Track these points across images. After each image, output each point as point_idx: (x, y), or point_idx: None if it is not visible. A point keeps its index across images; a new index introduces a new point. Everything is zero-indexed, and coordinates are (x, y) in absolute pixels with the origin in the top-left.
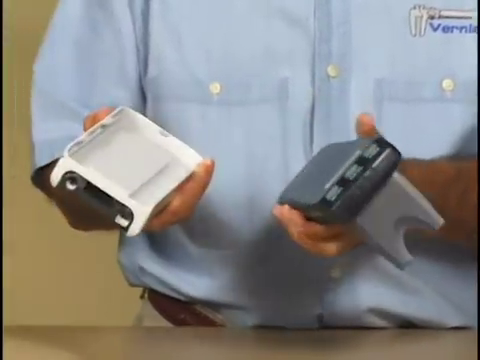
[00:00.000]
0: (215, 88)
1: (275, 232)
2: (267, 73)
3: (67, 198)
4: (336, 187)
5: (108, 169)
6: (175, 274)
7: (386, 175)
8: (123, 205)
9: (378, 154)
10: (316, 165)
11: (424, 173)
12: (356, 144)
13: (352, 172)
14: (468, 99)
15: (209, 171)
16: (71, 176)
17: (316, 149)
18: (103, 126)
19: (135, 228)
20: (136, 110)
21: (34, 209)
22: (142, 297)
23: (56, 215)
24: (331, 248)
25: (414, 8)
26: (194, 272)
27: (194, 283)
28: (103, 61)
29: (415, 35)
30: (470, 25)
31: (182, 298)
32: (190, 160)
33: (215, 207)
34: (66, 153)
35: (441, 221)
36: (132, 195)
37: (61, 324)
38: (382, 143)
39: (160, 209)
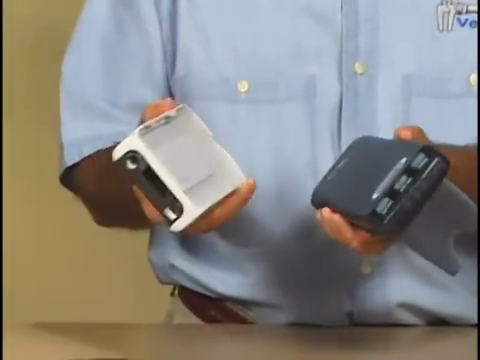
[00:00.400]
0: (243, 86)
1: (305, 229)
2: (294, 71)
3: (110, 184)
4: (386, 199)
5: (169, 160)
6: (205, 271)
7: (436, 185)
8: (175, 199)
9: (427, 164)
10: (354, 163)
11: (460, 161)
12: (399, 149)
13: (401, 183)
14: None
15: (252, 190)
16: (134, 156)
17: (344, 146)
18: (167, 118)
19: (180, 224)
20: None
21: (62, 206)
22: (172, 294)
23: (86, 213)
24: (377, 249)
25: (441, 3)
26: (224, 269)
27: (224, 280)
28: (129, 61)
29: (442, 30)
30: None
31: (212, 295)
32: (234, 175)
33: (244, 209)
34: (136, 132)
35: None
36: (186, 192)
37: (92, 321)
38: (430, 152)
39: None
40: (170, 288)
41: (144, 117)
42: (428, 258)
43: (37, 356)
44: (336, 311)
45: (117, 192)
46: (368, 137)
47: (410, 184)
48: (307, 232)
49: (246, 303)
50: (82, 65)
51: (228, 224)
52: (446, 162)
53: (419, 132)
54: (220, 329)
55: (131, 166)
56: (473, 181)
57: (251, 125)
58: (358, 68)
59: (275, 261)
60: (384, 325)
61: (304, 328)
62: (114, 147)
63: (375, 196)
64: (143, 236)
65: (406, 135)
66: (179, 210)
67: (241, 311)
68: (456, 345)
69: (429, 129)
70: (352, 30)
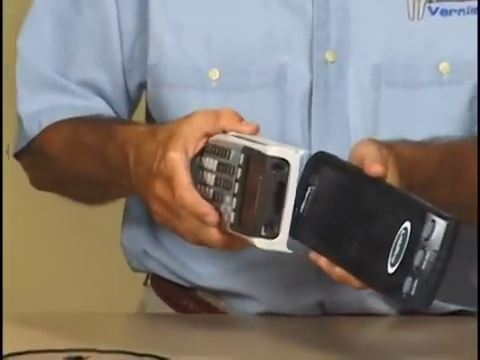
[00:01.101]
0: (214, 74)
1: None
2: (265, 59)
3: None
4: (410, 279)
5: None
6: (177, 260)
7: (453, 247)
8: (277, 223)
9: (438, 232)
10: (329, 199)
11: (420, 154)
12: (389, 200)
13: (420, 259)
14: (465, 81)
15: None
16: (281, 163)
17: (314, 134)
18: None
19: (262, 244)
20: (116, 95)
21: (32, 196)
22: (145, 284)
23: (56, 200)
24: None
25: None
26: (196, 258)
27: (197, 270)
28: (84, 40)
29: (413, 19)
30: (468, 7)
31: (185, 284)
32: None
33: None
34: (299, 150)
35: None
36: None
37: (64, 311)
38: (437, 216)
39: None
40: (143, 278)
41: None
42: (463, 304)
43: (6, 346)
44: (307, 301)
45: (93, 167)
46: (332, 158)
47: (429, 258)
48: None
49: (218, 293)
50: (37, 40)
51: None
52: (455, 222)
53: (380, 155)
54: (192, 318)
55: (273, 171)
56: (439, 175)
57: None
58: (329, 57)
59: (246, 251)
60: (356, 314)
61: (276, 318)
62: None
63: (391, 271)
64: (115, 225)
65: (377, 172)
66: (272, 234)
67: (213, 301)
68: (427, 334)
69: (400, 118)
70: (323, 19)
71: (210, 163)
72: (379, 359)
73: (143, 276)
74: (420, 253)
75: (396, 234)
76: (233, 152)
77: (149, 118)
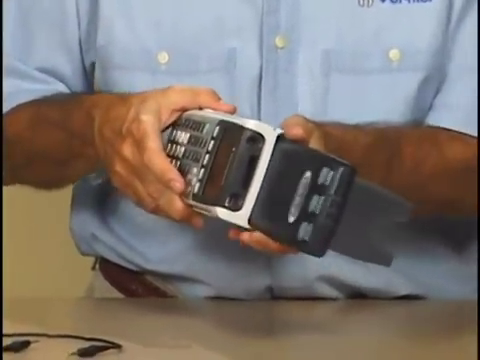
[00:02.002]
0: (163, 58)
1: None
2: (215, 44)
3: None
4: (305, 224)
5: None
6: (126, 243)
7: (347, 194)
8: (243, 197)
9: (333, 177)
10: (272, 173)
11: (349, 136)
12: (302, 158)
13: (315, 204)
14: (415, 69)
15: None
16: (255, 139)
17: (263, 119)
18: None
19: (224, 214)
20: (76, 78)
21: None
22: (93, 268)
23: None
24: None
25: None
26: (144, 242)
27: (145, 253)
28: (43, 23)
29: (363, 5)
30: None
31: (133, 268)
32: None
33: None
34: (275, 128)
35: (410, 204)
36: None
37: (11, 296)
38: (332, 163)
39: None
40: (91, 262)
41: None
42: (358, 257)
43: None
44: (256, 285)
45: (56, 141)
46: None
47: (324, 203)
48: None
49: (166, 277)
50: (2, 24)
51: None
52: (351, 168)
53: (305, 124)
54: (140, 303)
55: (244, 144)
56: (367, 157)
57: None
58: (278, 42)
59: (194, 234)
60: (304, 298)
61: (223, 302)
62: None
63: (292, 220)
64: (63, 209)
65: (296, 135)
66: (236, 206)
67: (162, 285)
68: (375, 318)
69: (349, 105)
70: (273, 4)
71: (181, 136)
72: (328, 342)
73: (91, 260)
74: (315, 198)
75: (297, 185)
76: (208, 125)
77: None
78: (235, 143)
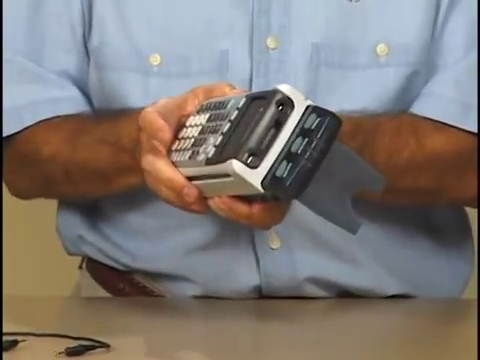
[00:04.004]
0: (155, 60)
1: None
2: (207, 45)
3: None
4: (284, 163)
5: None
6: (113, 243)
7: (330, 143)
8: (261, 156)
9: (320, 123)
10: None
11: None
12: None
13: (298, 145)
14: (403, 63)
15: None
16: (287, 102)
17: None
18: None
19: (240, 169)
20: (83, 76)
21: None
22: (80, 267)
23: None
24: (276, 218)
25: None
26: (132, 241)
27: (132, 252)
28: (52, 24)
29: (351, 0)
30: None
31: (121, 267)
32: None
33: None
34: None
35: (384, 180)
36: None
37: None
38: (320, 111)
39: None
40: (78, 260)
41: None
42: (327, 217)
43: None
44: (244, 285)
45: (103, 158)
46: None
47: (306, 145)
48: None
49: (154, 275)
50: (8, 29)
51: (138, 196)
52: (338, 120)
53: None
54: (128, 302)
55: (274, 106)
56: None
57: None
58: (270, 43)
59: (182, 233)
60: (292, 298)
61: (212, 301)
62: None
63: (271, 159)
64: (50, 208)
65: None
66: (253, 164)
67: (149, 284)
68: (361, 317)
69: (336, 98)
70: (264, 5)
71: (199, 119)
72: (318, 340)
73: (78, 259)
74: (299, 140)
75: (284, 132)
76: (233, 100)
77: None
78: (264, 105)
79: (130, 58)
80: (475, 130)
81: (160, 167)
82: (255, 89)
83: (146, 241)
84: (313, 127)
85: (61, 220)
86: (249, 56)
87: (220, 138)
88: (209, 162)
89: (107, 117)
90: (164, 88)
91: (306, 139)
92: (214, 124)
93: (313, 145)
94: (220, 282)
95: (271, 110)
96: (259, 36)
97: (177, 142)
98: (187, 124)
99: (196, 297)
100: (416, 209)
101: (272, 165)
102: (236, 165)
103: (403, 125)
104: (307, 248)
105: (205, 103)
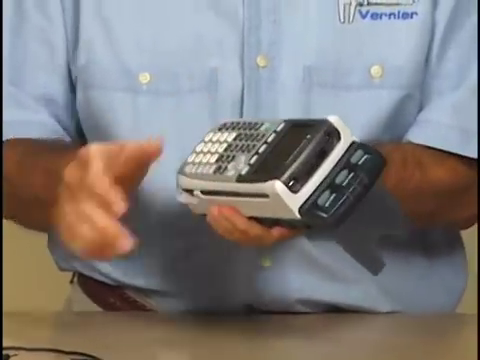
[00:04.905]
0: (144, 78)
1: (205, 221)
2: (196, 63)
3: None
4: (327, 192)
5: None
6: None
7: (374, 180)
8: (302, 182)
9: (367, 160)
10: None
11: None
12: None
13: (343, 178)
14: (396, 85)
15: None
16: (334, 133)
17: None
18: None
19: (280, 187)
20: (65, 98)
21: None
22: (72, 282)
23: None
24: (268, 240)
25: None
26: (124, 257)
27: (124, 269)
28: (33, 45)
29: (344, 22)
30: (398, 11)
31: (111, 283)
32: None
33: (147, 196)
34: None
35: (407, 226)
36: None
37: None
38: (367, 148)
39: None
40: (69, 275)
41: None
42: (353, 254)
43: None
44: (236, 302)
45: (46, 187)
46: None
47: (352, 179)
48: (207, 223)
49: (145, 291)
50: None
51: (130, 214)
52: (383, 159)
53: None
54: (119, 316)
55: (322, 135)
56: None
57: (153, 117)
58: (260, 61)
59: (173, 250)
60: (282, 313)
61: (203, 316)
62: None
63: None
64: None
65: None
66: (295, 189)
67: (141, 299)
68: (352, 332)
69: None
70: (254, 23)
71: (223, 136)
72: (309, 355)
73: (69, 274)
74: (344, 173)
75: (328, 163)
76: (267, 124)
77: None
78: (311, 132)
79: (119, 77)
80: (474, 156)
81: (97, 216)
82: (246, 107)
83: (136, 258)
84: (360, 162)
85: (52, 237)
86: (240, 73)
87: (255, 157)
88: (241, 179)
89: (61, 147)
90: (153, 107)
91: (352, 173)
92: (245, 143)
93: (358, 180)
94: (210, 299)
95: (318, 138)
96: (249, 54)
97: (193, 155)
98: (206, 139)
99: (187, 312)
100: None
101: (313, 192)
102: (279, 186)
103: (408, 156)
104: (298, 267)
105: (228, 122)
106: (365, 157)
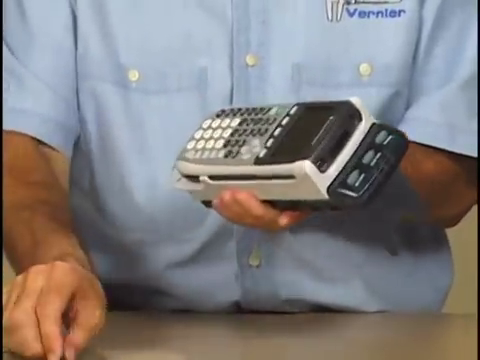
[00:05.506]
0: (133, 75)
1: (196, 218)
2: (185, 62)
3: None
4: (356, 172)
5: None
6: (92, 258)
7: (399, 161)
8: (328, 162)
9: (392, 140)
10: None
11: None
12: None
13: (370, 158)
14: (385, 83)
15: None
16: (357, 115)
17: None
18: None
19: (309, 167)
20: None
21: None
22: None
23: None
24: (280, 225)
25: None
26: (111, 255)
27: (110, 266)
28: (40, 26)
29: (332, 20)
30: (386, 9)
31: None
32: None
33: (135, 193)
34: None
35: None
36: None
37: None
38: (390, 128)
39: None
40: None
41: None
42: (373, 234)
43: None
44: (223, 300)
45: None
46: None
47: (380, 159)
48: (198, 221)
49: (129, 289)
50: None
51: (117, 208)
52: (406, 139)
53: None
54: (107, 315)
55: (346, 116)
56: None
57: (142, 114)
58: (249, 60)
59: (162, 248)
60: (271, 312)
61: (191, 314)
62: None
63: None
64: None
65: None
66: (323, 169)
67: (125, 297)
68: (340, 331)
69: None
70: (243, 22)
71: (225, 122)
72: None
73: None
74: (370, 153)
75: (352, 144)
76: (276, 108)
77: None
78: (334, 114)
79: (111, 71)
80: (462, 151)
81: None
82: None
83: (124, 256)
84: (385, 143)
85: None
86: (229, 73)
87: (271, 140)
88: (260, 162)
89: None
90: (143, 105)
91: (379, 153)
92: (255, 127)
93: (386, 160)
94: (200, 296)
95: (342, 119)
96: (239, 53)
97: (193, 142)
98: (204, 126)
99: (174, 310)
100: (396, 226)
101: (340, 173)
102: (308, 166)
103: None
104: (287, 267)
105: (227, 108)
106: (390, 137)
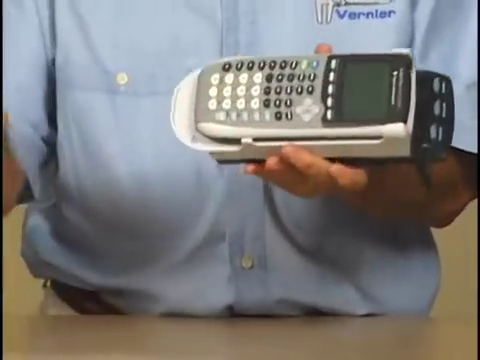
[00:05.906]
0: (122, 79)
1: (188, 221)
2: (174, 64)
3: None
4: (434, 126)
5: None
6: (79, 263)
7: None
8: (395, 111)
9: (447, 87)
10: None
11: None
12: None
13: (439, 109)
14: None
15: None
16: (410, 64)
17: None
18: None
19: (399, 128)
20: (38, 90)
21: None
22: (45, 286)
23: None
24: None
25: None
26: (98, 260)
27: (102, 271)
28: (7, 34)
29: (321, 22)
30: (376, 10)
31: (88, 288)
32: None
33: (124, 197)
34: None
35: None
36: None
37: None
38: (435, 74)
39: None
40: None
41: None
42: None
43: None
44: (216, 303)
45: None
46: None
47: (447, 108)
48: (190, 224)
49: (121, 293)
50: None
51: (107, 214)
52: (451, 81)
53: None
54: (94, 320)
55: (405, 68)
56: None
57: (132, 118)
58: None
59: (151, 252)
60: (262, 316)
61: (181, 319)
62: None
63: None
64: (14, 228)
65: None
66: (399, 119)
67: (116, 302)
68: (331, 334)
69: None
70: (232, 23)
71: (242, 77)
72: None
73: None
74: (438, 103)
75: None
76: (305, 61)
77: None
78: (398, 68)
79: (96, 77)
80: (465, 148)
81: None
82: None
83: (111, 260)
84: (443, 90)
85: (26, 246)
86: None
87: (331, 99)
88: (330, 123)
89: None
90: (132, 108)
91: (444, 103)
92: (294, 84)
93: (451, 107)
94: (193, 300)
95: (406, 74)
96: (228, 54)
97: (213, 101)
98: (214, 82)
99: (164, 315)
100: (386, 228)
101: (421, 128)
102: (404, 129)
103: None
104: (279, 269)
105: (232, 60)
106: (443, 83)
